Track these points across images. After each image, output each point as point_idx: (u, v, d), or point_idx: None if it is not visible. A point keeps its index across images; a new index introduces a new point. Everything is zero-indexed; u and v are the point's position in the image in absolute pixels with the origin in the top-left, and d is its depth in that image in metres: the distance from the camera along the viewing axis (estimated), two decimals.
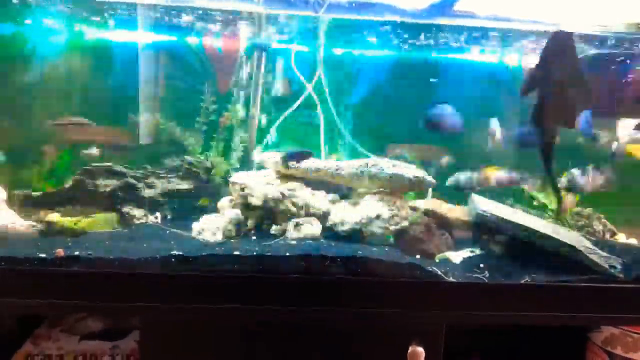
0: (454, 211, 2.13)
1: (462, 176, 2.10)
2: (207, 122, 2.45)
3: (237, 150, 2.45)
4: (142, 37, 2.43)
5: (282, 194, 1.98)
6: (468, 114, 2.57)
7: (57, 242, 1.71)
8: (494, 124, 2.18)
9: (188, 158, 2.31)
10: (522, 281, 1.64)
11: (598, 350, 1.94)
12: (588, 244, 1.83)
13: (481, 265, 1.75)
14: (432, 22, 2.27)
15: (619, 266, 1.70)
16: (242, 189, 2.00)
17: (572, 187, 2.00)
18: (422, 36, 2.49)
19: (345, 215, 1.94)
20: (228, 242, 1.82)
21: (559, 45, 1.63)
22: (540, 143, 1.73)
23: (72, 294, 1.54)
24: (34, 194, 2.07)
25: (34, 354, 1.79)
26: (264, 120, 2.50)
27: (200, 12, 2.29)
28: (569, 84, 1.64)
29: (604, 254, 1.76)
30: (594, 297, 1.65)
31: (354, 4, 2.17)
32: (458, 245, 1.96)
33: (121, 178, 2.14)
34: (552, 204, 2.29)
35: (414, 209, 2.09)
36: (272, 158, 2.16)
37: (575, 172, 2.00)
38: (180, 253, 1.60)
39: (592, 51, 2.35)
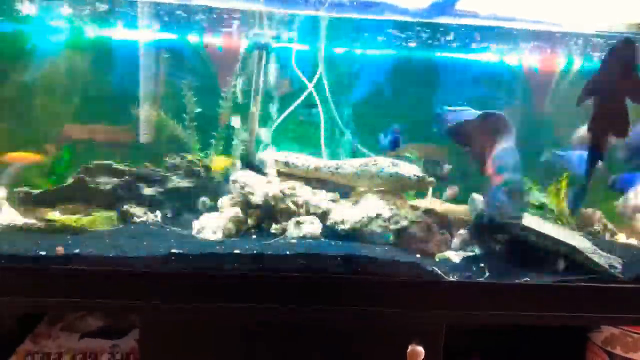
0: (454, 210, 2.13)
1: None
2: (207, 120, 2.45)
3: (237, 148, 2.45)
4: (142, 35, 2.43)
5: (283, 193, 1.98)
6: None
7: (57, 240, 1.71)
8: None
9: (188, 156, 2.31)
10: (522, 281, 1.65)
11: (598, 350, 1.94)
12: (588, 243, 1.83)
13: (481, 265, 1.75)
14: (433, 22, 2.27)
15: (619, 266, 1.70)
16: (243, 187, 2.00)
17: None
18: (423, 35, 2.49)
19: (346, 214, 1.93)
20: (228, 241, 1.82)
21: (621, 56, 1.68)
22: (590, 147, 1.83)
23: (71, 292, 1.54)
24: (34, 191, 2.07)
25: (33, 352, 1.78)
26: (264, 119, 2.50)
27: (201, 10, 2.29)
28: (627, 94, 1.69)
29: (604, 254, 1.76)
30: (594, 297, 1.65)
31: (354, 3, 2.17)
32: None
33: (121, 176, 2.14)
34: (552, 204, 2.29)
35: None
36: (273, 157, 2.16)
37: None
38: (181, 251, 1.60)
39: None
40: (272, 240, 1.83)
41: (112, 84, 2.49)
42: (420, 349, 1.57)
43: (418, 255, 1.80)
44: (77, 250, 1.59)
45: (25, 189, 2.04)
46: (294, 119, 2.51)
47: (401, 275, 1.62)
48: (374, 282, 1.60)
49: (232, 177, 2.08)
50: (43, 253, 1.57)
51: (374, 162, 2.05)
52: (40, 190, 2.07)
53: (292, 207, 1.97)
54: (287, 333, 1.62)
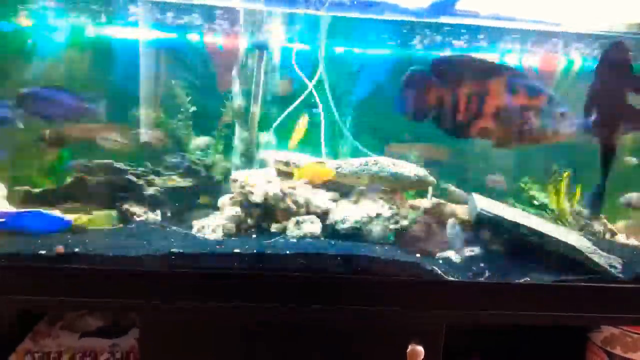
0: (454, 210, 2.13)
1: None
2: (207, 120, 2.45)
3: (238, 148, 2.44)
4: (142, 34, 2.42)
5: (283, 192, 1.98)
6: None
7: (57, 239, 1.71)
8: None
9: (188, 156, 2.31)
10: (522, 281, 1.65)
11: (598, 350, 1.94)
12: (588, 243, 1.83)
13: (481, 265, 1.75)
14: (433, 22, 2.27)
15: (619, 266, 1.70)
16: (243, 187, 2.00)
17: None
18: (422, 35, 2.49)
19: (346, 213, 1.93)
20: (228, 240, 1.82)
21: (613, 57, 1.70)
22: (603, 147, 1.80)
23: (71, 291, 1.54)
24: (34, 190, 2.07)
25: (33, 351, 1.78)
26: (264, 119, 2.50)
27: (201, 10, 2.29)
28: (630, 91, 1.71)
29: (604, 254, 1.76)
30: (594, 297, 1.65)
31: (355, 2, 2.17)
32: None
33: (121, 175, 2.14)
34: (552, 204, 2.29)
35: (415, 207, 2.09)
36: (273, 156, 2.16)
37: None
38: (180, 251, 1.60)
39: None
40: (272, 240, 1.83)
41: (113, 83, 2.48)
42: (420, 349, 1.57)
43: (418, 255, 1.80)
44: (77, 250, 1.59)
45: (26, 187, 2.04)
46: (295, 119, 2.50)
47: (401, 275, 1.62)
48: (374, 282, 1.60)
49: (232, 177, 2.08)
50: (43, 252, 1.57)
51: (374, 162, 2.06)
52: (40, 189, 2.08)
53: (292, 206, 1.97)
54: (287, 333, 1.62)
